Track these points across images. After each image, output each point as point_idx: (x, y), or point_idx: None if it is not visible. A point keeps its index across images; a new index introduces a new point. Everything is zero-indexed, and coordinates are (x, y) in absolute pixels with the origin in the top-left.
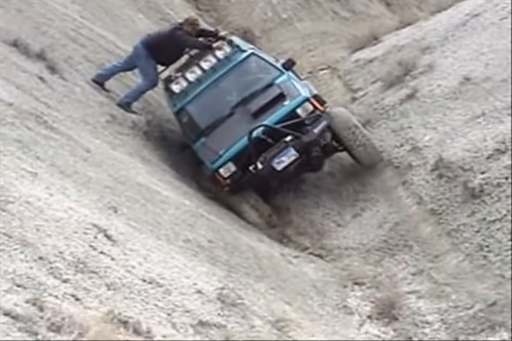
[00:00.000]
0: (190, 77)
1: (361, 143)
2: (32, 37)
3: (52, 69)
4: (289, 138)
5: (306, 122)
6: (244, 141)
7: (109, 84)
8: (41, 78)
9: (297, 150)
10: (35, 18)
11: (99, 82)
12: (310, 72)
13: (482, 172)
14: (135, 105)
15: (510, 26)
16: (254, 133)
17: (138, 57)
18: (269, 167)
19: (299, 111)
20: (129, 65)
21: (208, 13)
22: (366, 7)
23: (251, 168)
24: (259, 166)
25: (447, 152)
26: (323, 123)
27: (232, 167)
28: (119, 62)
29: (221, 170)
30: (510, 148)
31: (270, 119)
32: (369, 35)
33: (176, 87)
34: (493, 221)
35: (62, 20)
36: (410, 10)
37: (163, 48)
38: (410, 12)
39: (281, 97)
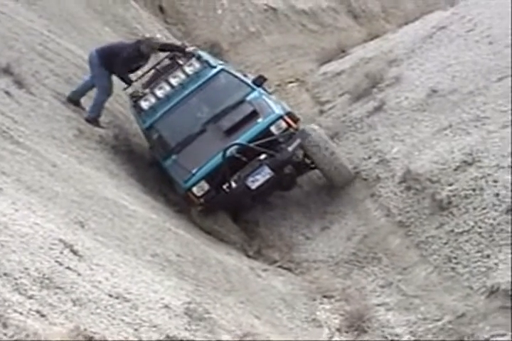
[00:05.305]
0: (159, 93)
1: (333, 164)
2: None
3: (19, 83)
4: (263, 156)
5: (280, 140)
6: (218, 159)
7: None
8: (7, 93)
9: (272, 169)
10: (1, 32)
11: (74, 99)
12: (278, 85)
13: (450, 184)
14: (102, 119)
15: (475, 38)
16: (228, 152)
17: (91, 66)
18: (244, 185)
19: (272, 128)
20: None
21: (175, 26)
22: (334, 20)
23: (224, 186)
24: (233, 185)
25: (415, 164)
26: (297, 141)
27: (205, 186)
28: (88, 76)
29: (194, 189)
30: (477, 159)
31: (244, 137)
32: (337, 48)
33: (144, 104)
34: (461, 233)
35: (29, 34)
36: (378, 22)
37: (120, 59)
38: (378, 24)
39: (254, 115)
